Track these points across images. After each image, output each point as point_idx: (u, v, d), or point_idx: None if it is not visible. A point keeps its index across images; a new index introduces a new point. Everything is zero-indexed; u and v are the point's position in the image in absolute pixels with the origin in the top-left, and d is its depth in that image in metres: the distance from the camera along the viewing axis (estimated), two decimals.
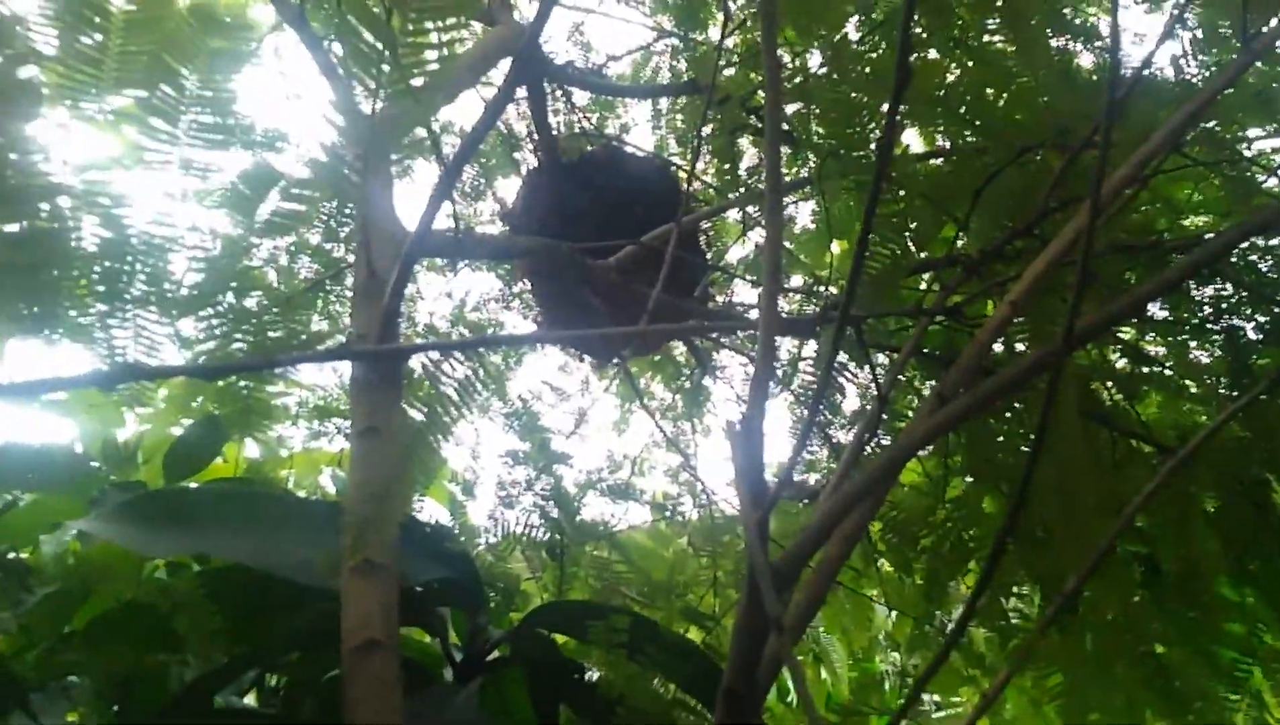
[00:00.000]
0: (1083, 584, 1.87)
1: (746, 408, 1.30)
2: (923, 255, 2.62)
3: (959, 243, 2.53)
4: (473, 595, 2.01)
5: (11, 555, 2.75)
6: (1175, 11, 2.11)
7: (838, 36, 2.32)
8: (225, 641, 1.72)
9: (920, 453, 3.58)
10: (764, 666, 1.50)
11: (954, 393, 1.83)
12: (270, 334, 1.86)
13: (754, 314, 3.10)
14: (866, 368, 2.87)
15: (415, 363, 1.92)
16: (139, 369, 1.68)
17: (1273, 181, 2.99)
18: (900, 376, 2.90)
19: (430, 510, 3.95)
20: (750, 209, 3.20)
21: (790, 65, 2.62)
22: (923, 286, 2.61)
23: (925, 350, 3.10)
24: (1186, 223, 3.20)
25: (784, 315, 2.68)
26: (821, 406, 2.68)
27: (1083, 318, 1.79)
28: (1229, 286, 3.03)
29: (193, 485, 2.74)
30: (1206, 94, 2.07)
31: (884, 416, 1.93)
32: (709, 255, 3.30)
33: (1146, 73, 2.66)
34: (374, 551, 1.75)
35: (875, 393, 1.89)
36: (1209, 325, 3.11)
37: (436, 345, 2.11)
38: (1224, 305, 3.07)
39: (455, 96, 2.64)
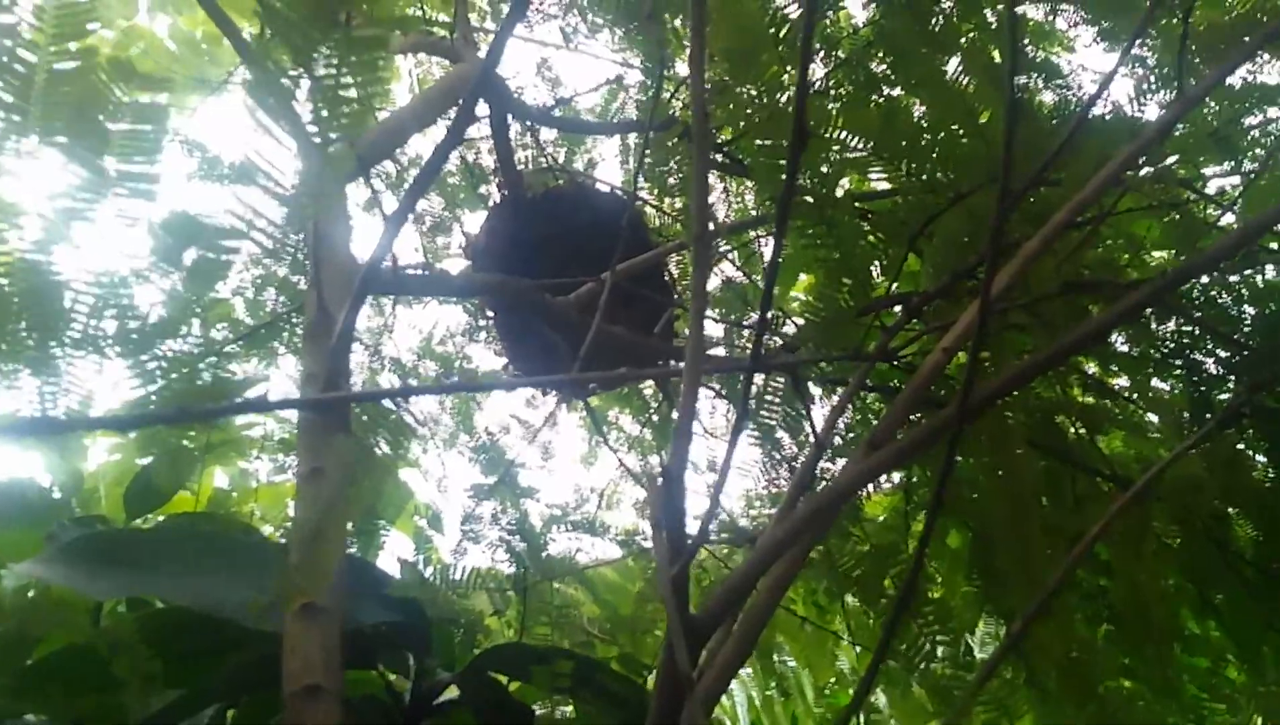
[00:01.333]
0: (1029, 624, 1.87)
1: (668, 458, 1.30)
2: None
3: (893, 286, 2.54)
4: (419, 637, 2.01)
5: None
6: (1121, 53, 2.12)
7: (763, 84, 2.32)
8: (168, 685, 1.71)
9: (886, 487, 3.61)
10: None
11: (884, 440, 1.83)
12: (198, 382, 1.86)
13: (719, 351, 3.11)
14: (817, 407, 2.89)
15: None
16: (53, 422, 1.67)
17: (1229, 218, 3.03)
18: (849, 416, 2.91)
19: (396, 544, 3.95)
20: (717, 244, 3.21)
21: (754, 99, 2.63)
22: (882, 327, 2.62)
23: (894, 384, 3.11)
24: (1149, 258, 3.22)
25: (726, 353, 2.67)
26: (768, 449, 2.68)
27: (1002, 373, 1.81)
28: (1188, 322, 3.07)
29: (143, 524, 2.72)
30: (1137, 145, 2.09)
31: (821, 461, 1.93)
32: (676, 291, 3.31)
33: (1099, 112, 2.70)
34: (316, 594, 1.75)
35: (813, 438, 1.89)
36: (1170, 359, 3.13)
37: (370, 394, 2.11)
38: (1185, 339, 3.10)
39: (418, 131, 2.66)
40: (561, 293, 2.68)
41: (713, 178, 3.24)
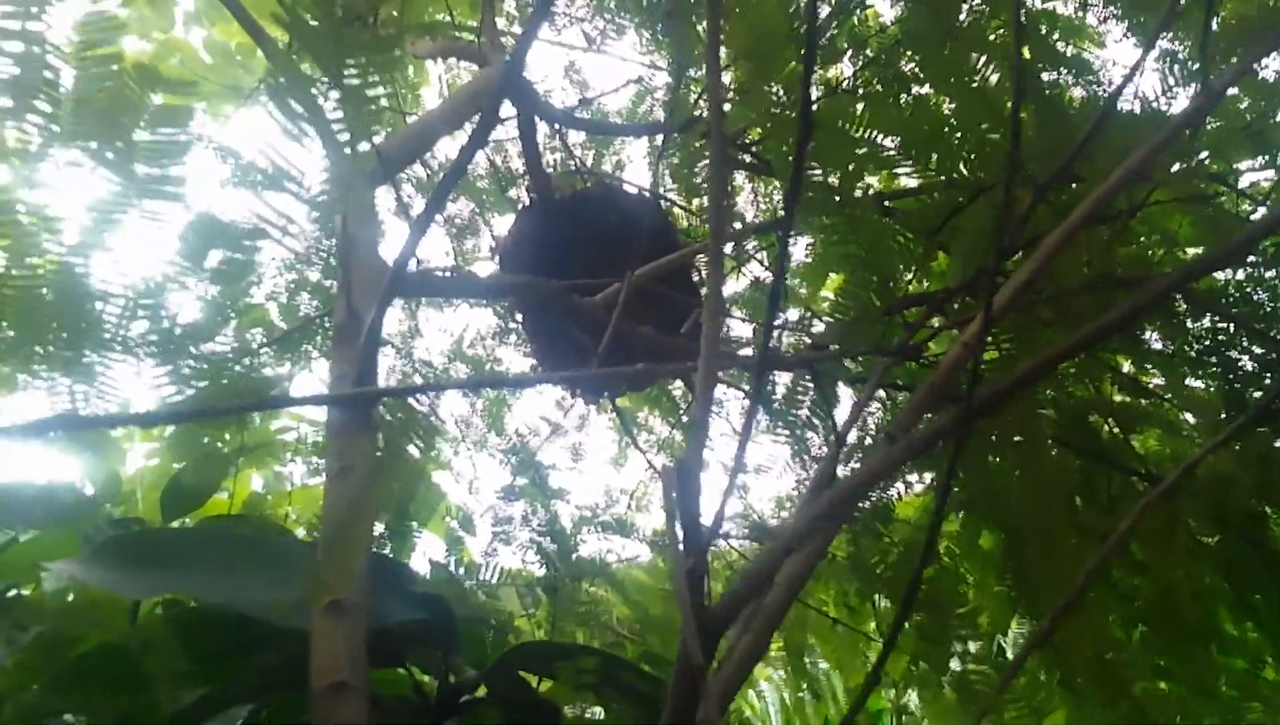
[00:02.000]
0: (1056, 621, 1.87)
1: (685, 450, 1.31)
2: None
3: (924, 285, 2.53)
4: (446, 635, 2.02)
5: (12, 593, 2.77)
6: (1145, 46, 2.11)
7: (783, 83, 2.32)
8: (199, 682, 1.73)
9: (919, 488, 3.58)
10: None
11: (903, 433, 1.82)
12: (230, 383, 1.88)
13: (746, 351, 3.11)
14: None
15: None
16: (80, 419, 1.70)
17: (1261, 212, 3.01)
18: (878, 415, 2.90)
19: (428, 546, 3.97)
20: (746, 245, 3.22)
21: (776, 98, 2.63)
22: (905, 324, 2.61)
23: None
24: (1183, 255, 3.19)
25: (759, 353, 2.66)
26: (795, 448, 2.68)
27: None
28: (1223, 319, 3.04)
29: (177, 525, 2.75)
30: (1161, 137, 2.07)
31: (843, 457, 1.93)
32: (702, 291, 3.31)
33: (1127, 106, 2.67)
34: (343, 592, 1.76)
35: (835, 434, 1.89)
36: (1205, 357, 3.11)
37: (396, 391, 2.13)
38: (1220, 337, 3.07)
39: (446, 134, 2.67)
40: (589, 294, 2.69)
41: (740, 178, 3.24)
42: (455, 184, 2.41)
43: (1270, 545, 2.97)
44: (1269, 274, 3.07)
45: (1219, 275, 3.23)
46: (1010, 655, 3.41)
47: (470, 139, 1.90)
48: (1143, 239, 2.94)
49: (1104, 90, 2.95)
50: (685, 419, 3.66)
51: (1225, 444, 2.60)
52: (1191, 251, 3.22)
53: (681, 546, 1.27)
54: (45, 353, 1.57)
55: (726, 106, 2.99)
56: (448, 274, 3.10)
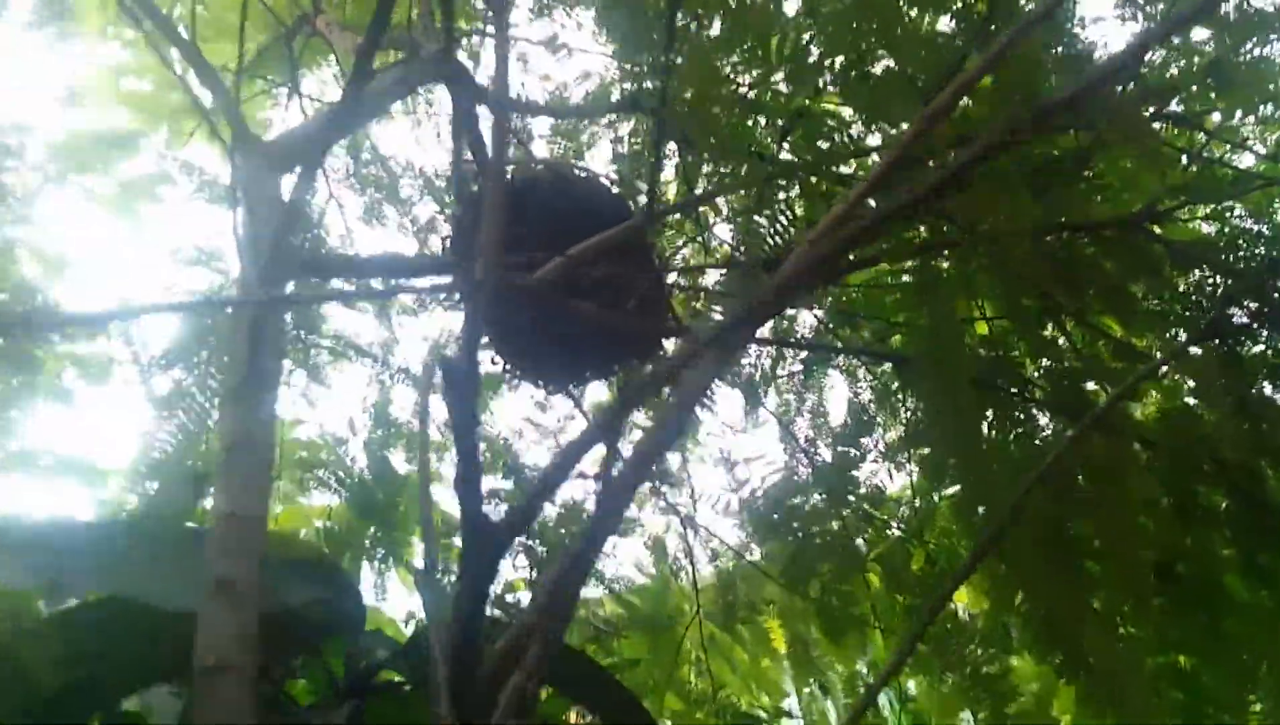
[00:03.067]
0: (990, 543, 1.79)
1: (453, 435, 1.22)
2: None
3: None
4: (352, 616, 1.95)
5: None
6: None
7: None
8: (81, 672, 1.68)
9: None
10: None
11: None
12: None
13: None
14: None
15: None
16: None
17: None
18: None
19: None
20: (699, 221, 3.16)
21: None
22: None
23: None
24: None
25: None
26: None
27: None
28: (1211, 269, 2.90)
29: None
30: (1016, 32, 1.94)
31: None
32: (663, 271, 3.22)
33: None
34: (231, 572, 1.70)
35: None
36: (1195, 314, 2.96)
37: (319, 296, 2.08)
38: (1212, 291, 2.93)
39: (368, 121, 2.63)
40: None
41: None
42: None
43: (1271, 501, 2.82)
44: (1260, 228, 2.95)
45: (1205, 227, 3.11)
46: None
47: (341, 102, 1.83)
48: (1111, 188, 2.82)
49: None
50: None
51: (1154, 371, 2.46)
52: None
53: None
54: None
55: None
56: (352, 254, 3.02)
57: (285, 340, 2.00)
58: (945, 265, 2.64)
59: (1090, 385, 3.01)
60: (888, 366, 3.40)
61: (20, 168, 4.05)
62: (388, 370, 3.69)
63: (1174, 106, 2.79)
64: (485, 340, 2.98)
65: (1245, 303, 2.84)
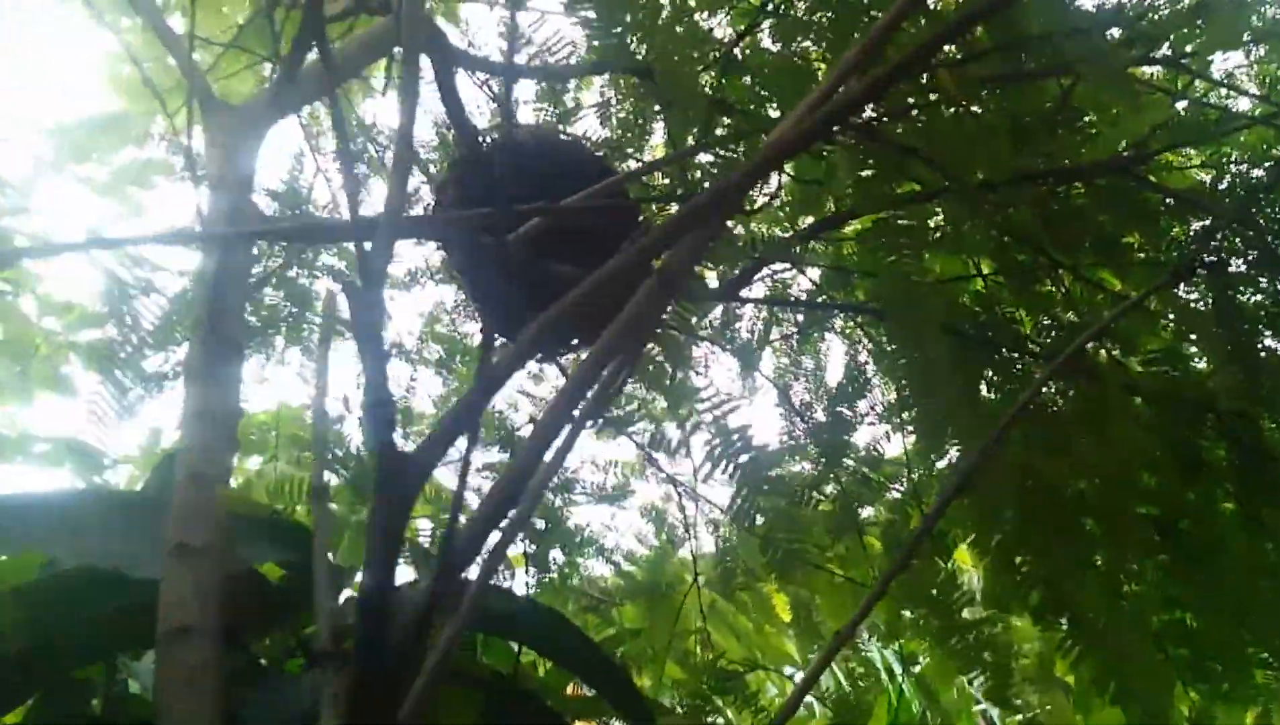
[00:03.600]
0: (962, 487, 1.76)
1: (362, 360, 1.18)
2: None
3: None
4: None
5: None
6: None
7: None
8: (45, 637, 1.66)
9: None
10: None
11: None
12: None
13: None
14: None
15: None
16: None
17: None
18: None
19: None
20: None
21: None
22: None
23: None
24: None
25: None
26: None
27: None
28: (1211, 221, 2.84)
29: None
30: None
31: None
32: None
33: None
34: (192, 535, 1.68)
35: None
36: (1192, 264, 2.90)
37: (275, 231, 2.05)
38: (1212, 241, 2.87)
39: (339, 84, 2.59)
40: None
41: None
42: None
43: (1272, 452, 2.77)
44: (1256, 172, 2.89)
45: (1202, 175, 3.05)
46: None
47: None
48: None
49: None
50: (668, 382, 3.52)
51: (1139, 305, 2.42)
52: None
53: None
54: None
55: None
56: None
57: (245, 305, 1.96)
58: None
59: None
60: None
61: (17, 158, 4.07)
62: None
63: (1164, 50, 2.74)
64: (474, 311, 2.99)
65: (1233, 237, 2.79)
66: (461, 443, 1.41)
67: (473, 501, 3.72)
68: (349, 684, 1.23)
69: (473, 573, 1.45)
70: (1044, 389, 2.79)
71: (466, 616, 1.30)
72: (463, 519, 1.41)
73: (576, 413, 1.53)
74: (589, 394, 1.58)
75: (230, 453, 1.79)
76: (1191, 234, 2.78)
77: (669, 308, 1.93)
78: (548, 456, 1.48)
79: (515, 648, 2.69)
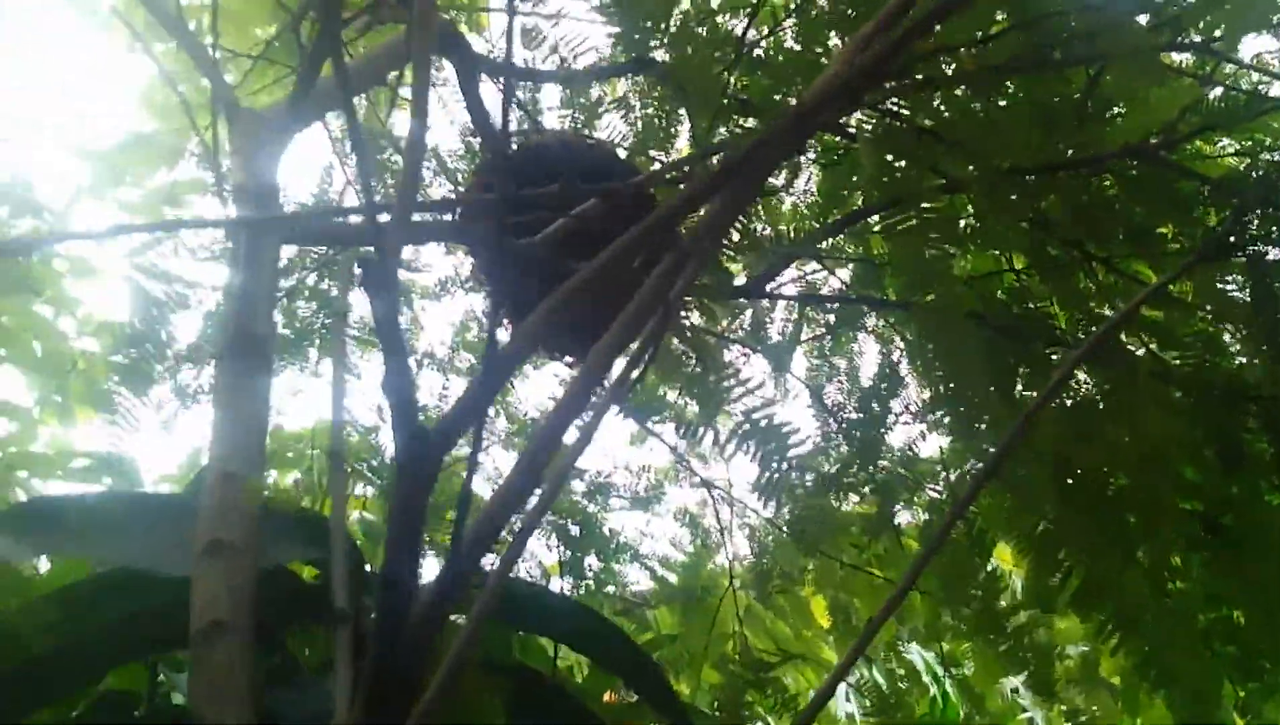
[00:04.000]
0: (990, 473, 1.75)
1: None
2: None
3: None
4: (351, 577, 1.92)
5: None
6: None
7: None
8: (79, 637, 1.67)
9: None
10: None
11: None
12: None
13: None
14: None
15: None
16: None
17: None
18: None
19: None
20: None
21: None
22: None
23: None
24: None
25: None
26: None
27: None
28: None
29: None
30: None
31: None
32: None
33: None
34: (223, 532, 1.69)
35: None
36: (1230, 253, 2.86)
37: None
38: (1247, 231, 2.83)
39: (361, 91, 2.60)
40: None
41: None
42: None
43: None
44: None
45: (1235, 160, 3.01)
46: None
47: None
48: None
49: None
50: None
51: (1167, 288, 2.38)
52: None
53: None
54: None
55: None
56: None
57: (273, 303, 1.97)
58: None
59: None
60: None
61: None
62: (414, 356, 3.68)
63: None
64: (501, 316, 2.99)
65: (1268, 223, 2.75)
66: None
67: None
68: (367, 673, 1.22)
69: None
70: (1075, 378, 2.78)
71: (486, 607, 1.28)
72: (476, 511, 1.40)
73: (596, 398, 1.51)
74: (607, 379, 1.57)
75: (261, 451, 1.79)
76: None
77: (696, 278, 1.90)
78: (569, 440, 1.47)
79: (552, 651, 2.69)
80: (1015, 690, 4.53)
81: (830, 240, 3.30)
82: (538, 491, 1.44)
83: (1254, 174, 2.67)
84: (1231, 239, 2.62)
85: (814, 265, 3.43)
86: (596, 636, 2.09)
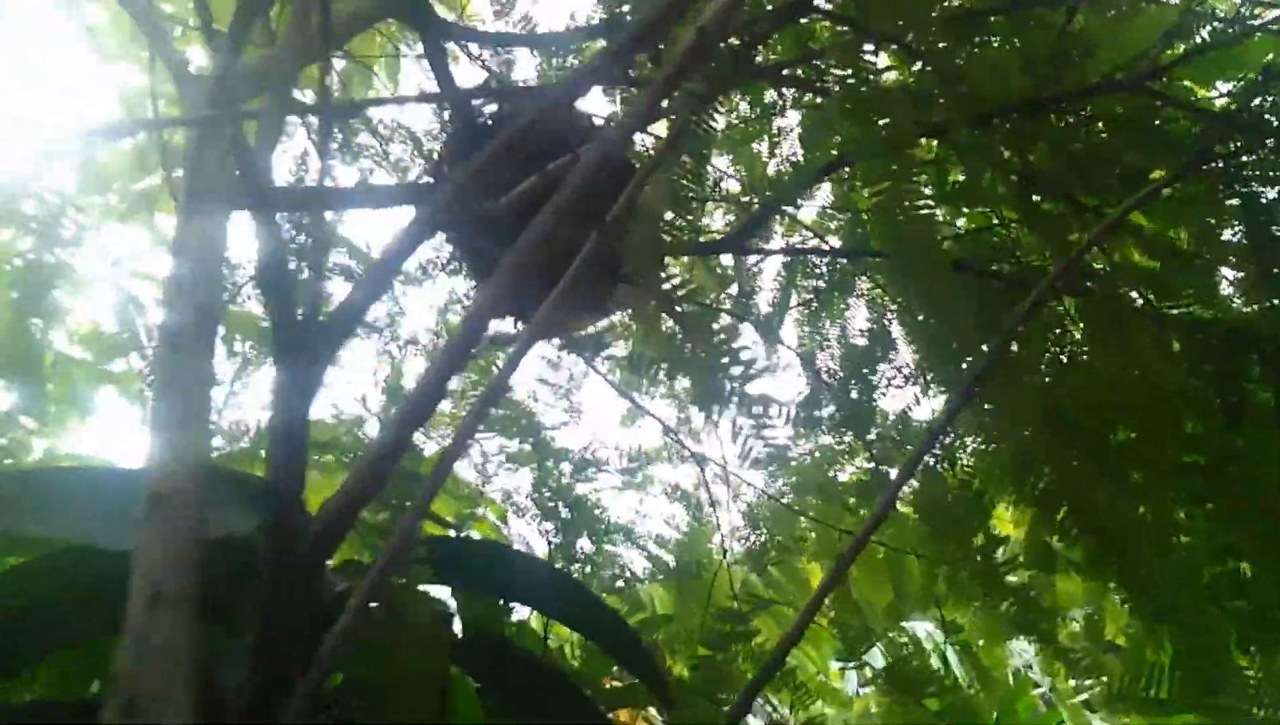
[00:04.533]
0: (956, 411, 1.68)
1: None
2: None
3: None
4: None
5: None
6: None
7: None
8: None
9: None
10: None
11: None
12: None
13: None
14: None
15: None
16: None
17: None
18: None
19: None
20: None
21: None
22: None
23: None
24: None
25: None
26: None
27: None
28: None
29: None
30: None
31: None
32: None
33: None
34: (165, 488, 1.61)
35: None
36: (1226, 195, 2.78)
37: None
38: (1244, 170, 2.74)
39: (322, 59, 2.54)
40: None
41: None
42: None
43: None
44: None
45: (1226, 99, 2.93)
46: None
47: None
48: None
49: None
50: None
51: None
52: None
53: None
54: None
55: None
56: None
57: (222, 272, 1.90)
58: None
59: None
60: None
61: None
62: (396, 342, 3.63)
63: None
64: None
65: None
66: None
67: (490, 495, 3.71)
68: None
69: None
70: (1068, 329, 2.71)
71: (397, 550, 1.21)
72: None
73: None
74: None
75: (206, 409, 1.72)
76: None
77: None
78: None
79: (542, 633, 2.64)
80: (1029, 666, 4.46)
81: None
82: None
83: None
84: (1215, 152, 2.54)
85: (803, 232, 3.39)
86: (579, 606, 2.02)
